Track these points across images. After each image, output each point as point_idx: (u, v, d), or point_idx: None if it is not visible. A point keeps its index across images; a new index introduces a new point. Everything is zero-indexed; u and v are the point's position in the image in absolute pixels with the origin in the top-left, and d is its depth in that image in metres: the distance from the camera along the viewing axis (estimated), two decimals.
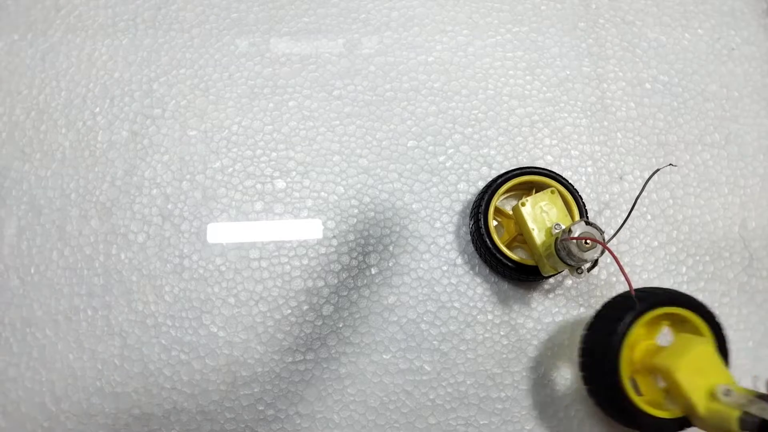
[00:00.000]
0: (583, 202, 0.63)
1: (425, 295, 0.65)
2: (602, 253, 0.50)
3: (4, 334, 0.63)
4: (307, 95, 0.70)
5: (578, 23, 0.74)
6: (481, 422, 0.62)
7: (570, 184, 0.63)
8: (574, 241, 0.50)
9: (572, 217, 0.61)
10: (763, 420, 0.43)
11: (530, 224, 0.58)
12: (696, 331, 0.55)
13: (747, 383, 0.64)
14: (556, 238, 0.53)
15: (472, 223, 0.64)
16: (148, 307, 0.64)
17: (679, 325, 0.57)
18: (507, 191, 0.64)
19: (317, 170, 0.68)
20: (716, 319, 0.55)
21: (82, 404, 0.61)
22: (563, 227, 0.55)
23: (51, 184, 0.67)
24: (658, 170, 0.56)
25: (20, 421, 0.61)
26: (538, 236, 0.57)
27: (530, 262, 0.61)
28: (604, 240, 0.51)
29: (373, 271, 0.65)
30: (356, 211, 0.67)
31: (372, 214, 0.67)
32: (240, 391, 0.62)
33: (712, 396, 0.48)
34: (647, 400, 0.55)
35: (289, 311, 0.64)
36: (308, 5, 0.73)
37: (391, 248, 0.66)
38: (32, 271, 0.64)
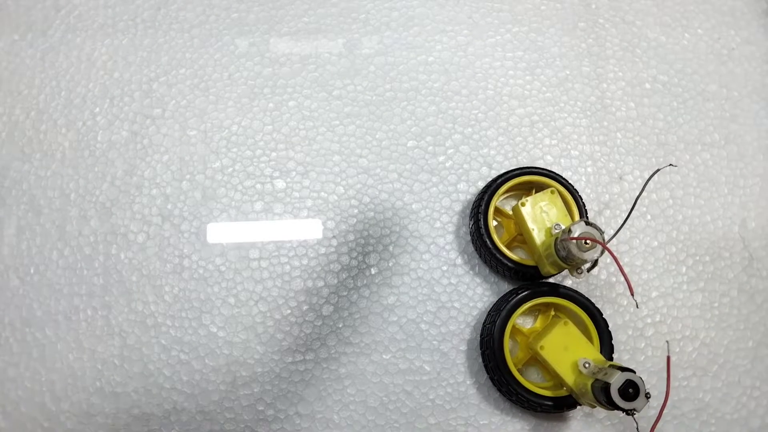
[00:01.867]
0: (583, 202, 0.63)
1: (425, 295, 0.65)
2: (602, 253, 0.50)
3: (4, 334, 0.63)
4: (307, 95, 0.70)
5: (578, 23, 0.74)
6: (481, 422, 0.62)
7: (570, 184, 0.63)
8: (574, 241, 0.50)
9: (572, 217, 0.61)
10: (605, 382, 0.49)
11: (530, 224, 0.58)
12: (574, 317, 0.60)
13: (745, 380, 0.64)
14: (556, 238, 0.53)
15: (472, 223, 0.64)
16: (148, 307, 0.64)
17: (567, 315, 0.61)
18: (507, 191, 0.64)
19: (317, 170, 0.68)
20: (589, 304, 0.60)
21: (82, 404, 0.61)
22: (563, 227, 0.55)
23: (51, 184, 0.67)
24: (658, 170, 0.56)
25: (20, 421, 0.61)
26: (538, 236, 0.58)
27: (530, 262, 0.61)
28: (604, 240, 0.50)
29: (373, 271, 0.65)
30: (356, 211, 0.67)
31: (372, 214, 0.67)
32: (240, 391, 0.62)
33: (578, 369, 0.55)
34: (550, 386, 0.60)
35: (289, 311, 0.64)
36: (308, 5, 0.73)
37: (391, 248, 0.66)
38: (32, 271, 0.64)
